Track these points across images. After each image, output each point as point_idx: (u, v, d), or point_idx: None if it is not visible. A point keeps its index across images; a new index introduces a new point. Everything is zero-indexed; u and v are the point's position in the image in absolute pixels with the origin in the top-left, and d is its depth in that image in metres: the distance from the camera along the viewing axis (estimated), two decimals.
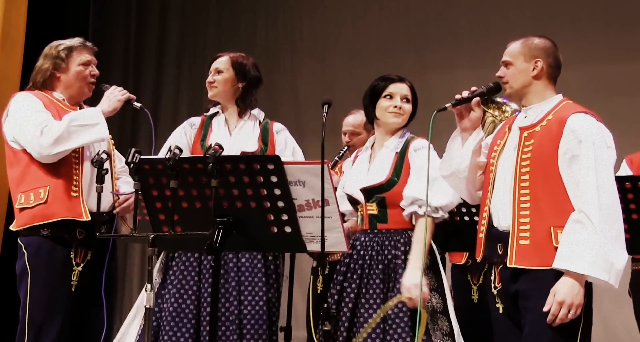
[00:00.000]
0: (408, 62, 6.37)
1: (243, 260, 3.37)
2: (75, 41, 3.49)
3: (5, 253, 3.98)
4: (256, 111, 3.64)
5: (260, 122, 3.60)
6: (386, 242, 3.20)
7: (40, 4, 6.05)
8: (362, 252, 3.21)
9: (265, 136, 3.52)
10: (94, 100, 3.53)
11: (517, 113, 3.05)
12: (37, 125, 3.25)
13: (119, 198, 3.35)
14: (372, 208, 3.23)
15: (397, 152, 3.28)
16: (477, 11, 6.40)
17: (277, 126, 3.61)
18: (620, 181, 2.78)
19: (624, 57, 5.85)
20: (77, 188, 3.30)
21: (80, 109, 3.47)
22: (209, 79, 3.61)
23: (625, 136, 3.49)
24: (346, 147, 4.47)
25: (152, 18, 7.78)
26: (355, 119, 4.51)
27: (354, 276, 3.19)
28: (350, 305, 3.15)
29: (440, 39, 6.51)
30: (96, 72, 3.49)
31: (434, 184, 3.05)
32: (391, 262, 3.16)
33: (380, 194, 3.21)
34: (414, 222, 3.20)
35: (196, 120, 3.66)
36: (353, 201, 3.29)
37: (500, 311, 2.87)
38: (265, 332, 3.29)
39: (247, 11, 7.44)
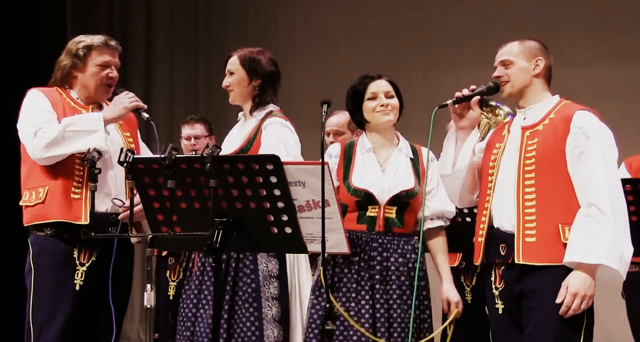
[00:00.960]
0: (410, 60, 6.38)
1: (231, 260, 3.30)
2: (97, 40, 3.39)
3: (15, 248, 3.97)
4: (261, 109, 3.44)
5: (260, 120, 3.41)
6: (406, 247, 3.23)
7: None
8: (384, 254, 3.20)
9: (255, 135, 3.38)
10: None
11: (510, 116, 3.10)
12: (34, 126, 3.21)
13: (123, 203, 3.27)
14: (391, 212, 3.22)
15: (410, 158, 3.32)
16: (481, 9, 6.42)
17: (267, 121, 3.40)
18: (621, 183, 2.82)
19: (629, 58, 5.89)
20: (80, 190, 3.25)
21: (100, 108, 3.40)
22: (224, 82, 3.46)
23: (630, 137, 3.51)
24: None
25: (137, 12, 7.65)
26: (339, 119, 4.53)
27: (381, 278, 3.19)
28: (385, 306, 3.16)
29: (443, 37, 6.52)
30: (114, 74, 3.40)
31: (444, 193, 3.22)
32: (413, 266, 3.20)
33: (408, 200, 3.23)
34: (418, 228, 3.24)
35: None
36: (366, 201, 3.23)
37: (500, 312, 2.90)
38: (258, 338, 3.26)
39: (236, 4, 7.38)
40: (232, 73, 3.44)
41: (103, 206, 3.25)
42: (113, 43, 3.42)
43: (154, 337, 2.65)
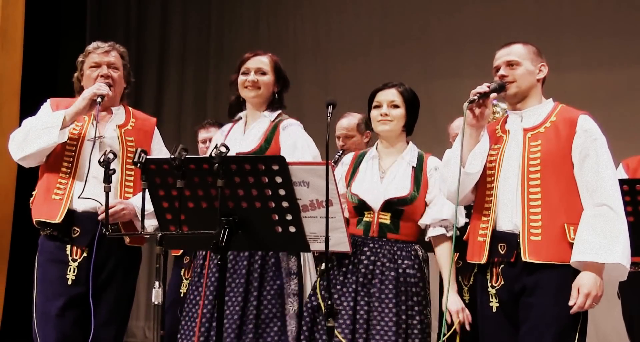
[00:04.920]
0: (411, 65, 6.43)
1: (256, 257, 3.36)
2: (91, 45, 3.54)
3: (26, 247, 4.17)
4: (270, 111, 3.52)
5: (272, 121, 3.49)
6: (399, 252, 3.24)
7: (37, 2, 6.08)
8: (372, 258, 3.23)
9: (271, 135, 3.44)
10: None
11: (506, 113, 3.12)
12: (12, 133, 3.39)
13: (100, 204, 3.33)
14: (385, 217, 3.25)
15: (413, 167, 3.30)
16: (480, 18, 6.48)
17: (285, 123, 3.48)
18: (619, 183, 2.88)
19: (625, 63, 5.93)
20: (61, 192, 3.37)
21: (109, 113, 3.48)
22: (251, 78, 3.45)
23: (624, 141, 3.57)
24: (341, 151, 4.50)
25: (152, 18, 7.77)
26: (349, 122, 4.54)
27: (365, 281, 3.21)
28: (366, 308, 3.18)
29: (443, 44, 6.58)
30: (104, 72, 3.47)
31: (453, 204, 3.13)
32: (404, 272, 3.21)
33: (401, 207, 3.24)
34: (427, 239, 3.27)
35: (227, 127, 3.61)
36: (361, 207, 3.30)
37: (494, 310, 2.95)
38: (282, 333, 3.30)
39: (248, 10, 7.47)
40: (264, 73, 3.47)
41: (91, 205, 3.34)
42: (104, 45, 3.51)
43: (160, 334, 2.70)
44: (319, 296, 3.22)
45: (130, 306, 3.61)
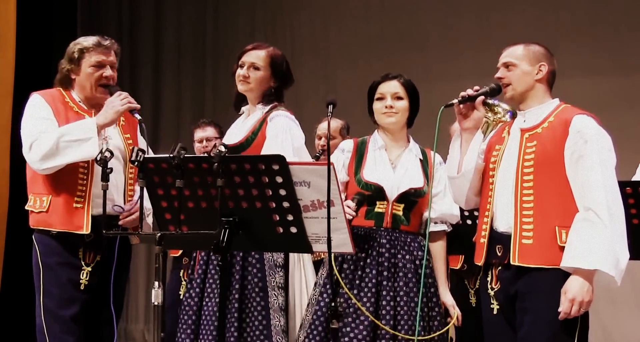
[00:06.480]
0: (411, 67, 6.40)
1: (236, 252, 3.32)
2: (91, 41, 3.41)
3: (20, 247, 4.07)
4: (266, 103, 3.46)
5: (264, 113, 3.42)
6: (412, 244, 3.26)
7: (28, 1, 6.04)
8: (392, 251, 3.23)
9: (260, 126, 3.38)
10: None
11: (509, 114, 3.10)
12: (30, 138, 3.26)
13: (123, 210, 3.32)
14: (398, 209, 3.25)
15: (420, 159, 3.33)
16: (479, 23, 6.50)
17: (273, 114, 3.40)
18: (620, 186, 2.84)
19: (625, 70, 5.93)
20: (82, 199, 3.30)
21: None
22: (243, 72, 3.40)
23: (627, 149, 3.54)
24: (321, 151, 4.67)
25: (145, 16, 7.70)
26: (333, 124, 4.67)
27: (388, 274, 3.20)
28: (392, 303, 3.18)
29: (444, 46, 6.59)
30: (109, 73, 3.39)
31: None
32: (421, 263, 3.20)
33: (415, 198, 3.25)
34: (423, 230, 3.28)
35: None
36: (375, 196, 3.26)
37: (495, 312, 2.93)
38: (265, 327, 3.26)
39: (245, 9, 7.43)
40: (256, 68, 3.41)
41: (107, 210, 3.24)
42: (106, 43, 3.40)
43: (161, 336, 2.67)
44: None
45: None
